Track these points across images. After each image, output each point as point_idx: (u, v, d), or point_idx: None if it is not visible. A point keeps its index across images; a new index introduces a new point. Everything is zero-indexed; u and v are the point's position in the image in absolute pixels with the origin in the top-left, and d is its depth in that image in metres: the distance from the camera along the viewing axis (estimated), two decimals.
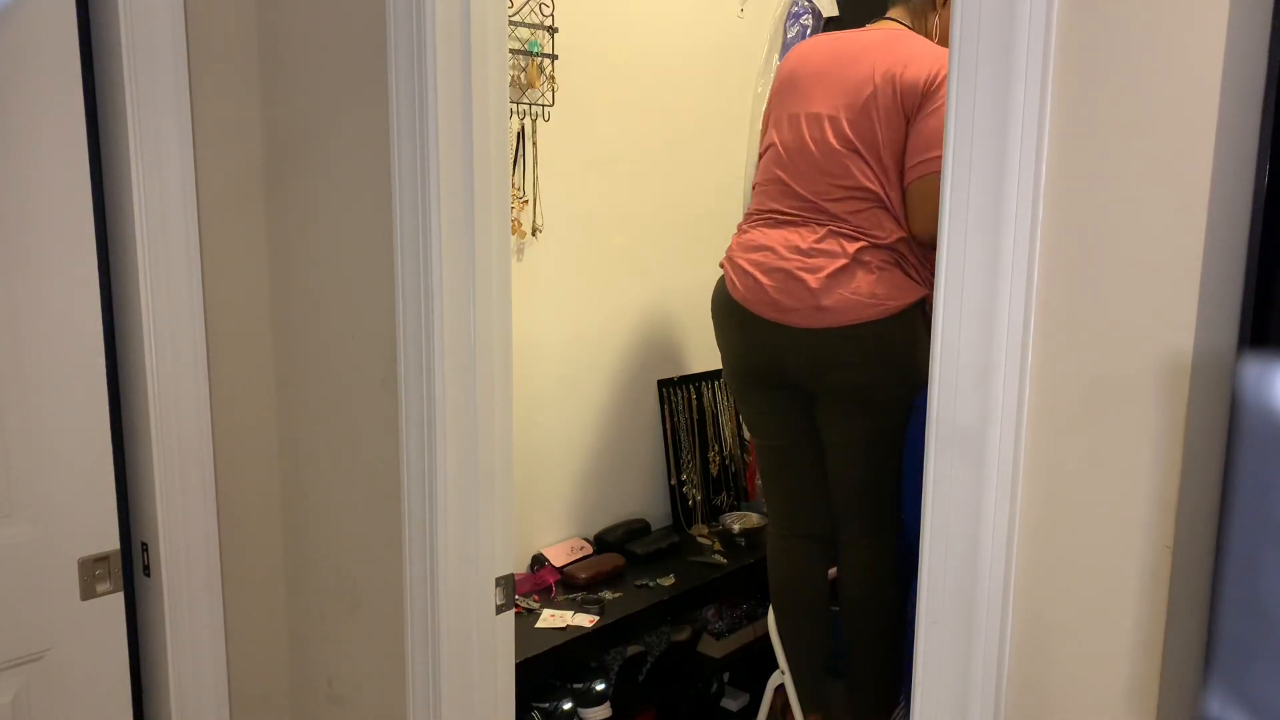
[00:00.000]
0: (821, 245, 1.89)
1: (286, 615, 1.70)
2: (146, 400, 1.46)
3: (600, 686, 2.18)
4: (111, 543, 1.48)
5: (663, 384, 2.69)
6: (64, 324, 1.40)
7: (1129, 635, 0.81)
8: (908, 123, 1.86)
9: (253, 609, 1.65)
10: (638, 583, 2.34)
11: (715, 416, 2.84)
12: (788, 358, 1.97)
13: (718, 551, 2.57)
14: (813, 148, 1.93)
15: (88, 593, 1.46)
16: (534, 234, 2.28)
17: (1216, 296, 0.75)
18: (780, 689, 2.27)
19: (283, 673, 1.71)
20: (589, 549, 2.47)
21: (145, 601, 1.55)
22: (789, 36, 2.80)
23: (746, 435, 2.96)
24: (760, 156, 2.08)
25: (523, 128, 2.21)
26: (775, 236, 1.96)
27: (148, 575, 1.53)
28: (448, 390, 1.35)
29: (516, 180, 2.21)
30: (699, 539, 2.66)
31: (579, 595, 2.26)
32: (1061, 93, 0.81)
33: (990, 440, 0.87)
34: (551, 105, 2.26)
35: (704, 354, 2.82)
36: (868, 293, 1.84)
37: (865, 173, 1.88)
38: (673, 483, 2.70)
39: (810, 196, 1.92)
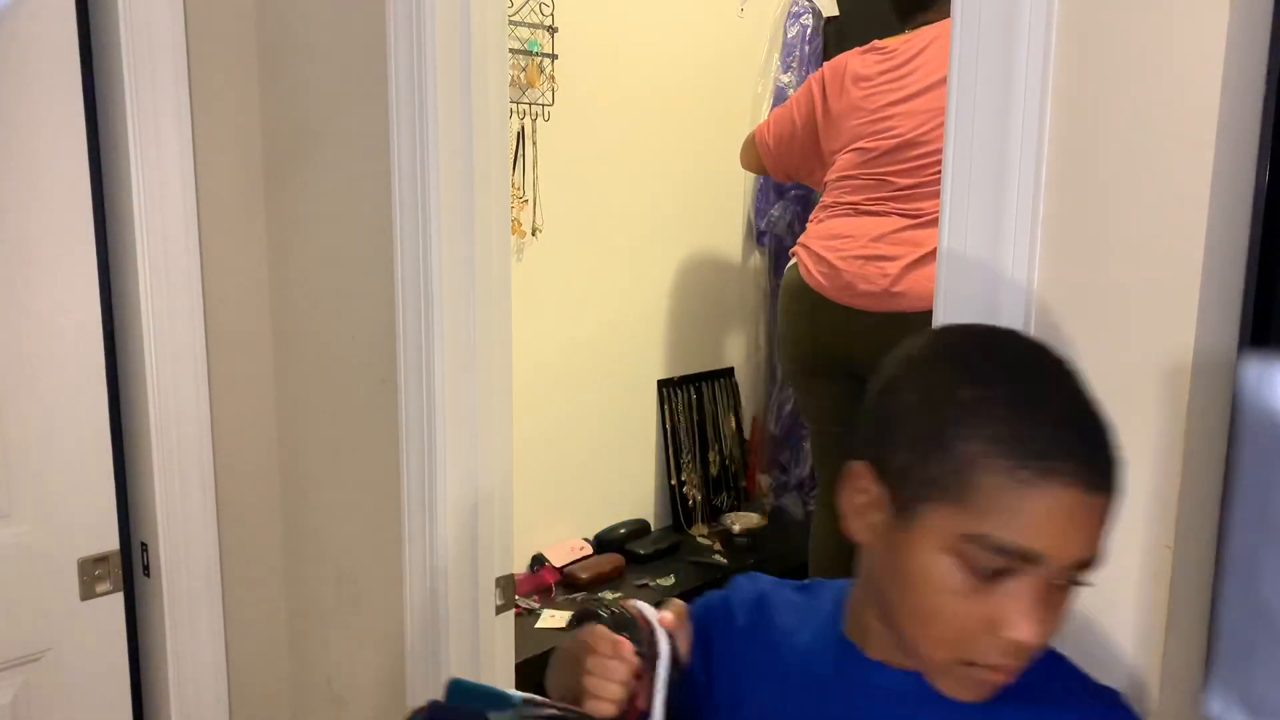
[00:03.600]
0: (902, 234, 1.93)
1: (286, 615, 1.70)
2: (146, 400, 1.46)
3: None
4: (111, 543, 1.48)
5: (663, 384, 2.69)
6: (64, 324, 1.40)
7: (1129, 635, 0.81)
8: None
9: (253, 609, 1.64)
10: (638, 583, 2.34)
11: (715, 416, 2.83)
12: (854, 344, 2.02)
13: (718, 551, 2.57)
14: (914, 148, 1.95)
15: (88, 593, 1.46)
16: (534, 234, 2.28)
17: (1216, 296, 0.75)
18: None
19: (283, 673, 1.71)
20: (589, 549, 2.46)
21: (145, 601, 1.55)
22: (789, 36, 2.80)
23: (747, 435, 2.96)
24: (837, 154, 2.13)
25: (523, 128, 2.21)
26: (854, 225, 2.01)
27: (147, 575, 1.53)
28: (448, 390, 1.35)
29: (516, 180, 2.21)
30: (699, 539, 2.66)
31: (579, 595, 2.26)
32: (1061, 92, 0.81)
33: None
34: (551, 105, 2.26)
35: (704, 354, 2.82)
36: None
37: None
38: (673, 483, 2.70)
39: (898, 192, 1.96)
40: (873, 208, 1.99)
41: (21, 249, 1.35)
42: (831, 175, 2.12)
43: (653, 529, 2.66)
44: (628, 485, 2.64)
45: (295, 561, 1.67)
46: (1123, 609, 0.82)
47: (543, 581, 2.29)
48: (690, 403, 2.76)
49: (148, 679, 1.58)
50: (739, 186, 2.85)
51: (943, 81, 2.06)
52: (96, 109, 1.44)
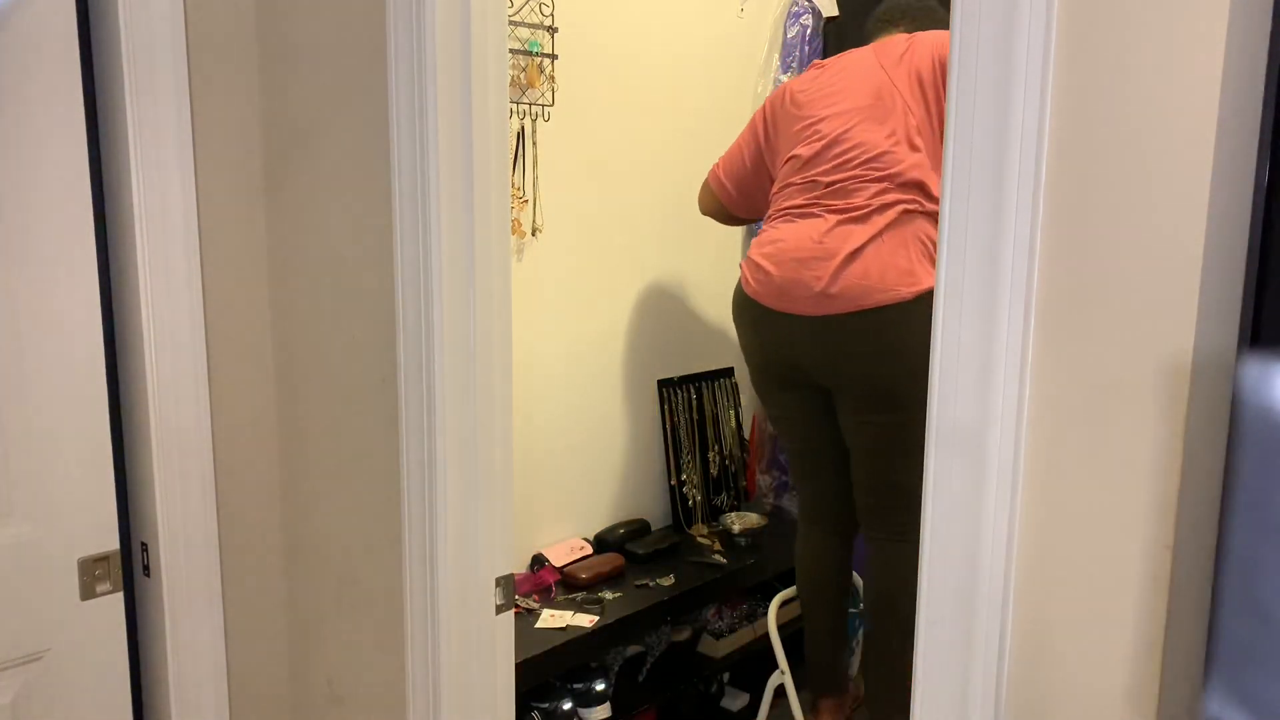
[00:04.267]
0: (833, 232, 1.91)
1: (286, 615, 1.70)
2: (146, 400, 1.46)
3: (600, 686, 2.18)
4: (111, 543, 1.48)
5: (663, 384, 2.69)
6: (64, 324, 1.40)
7: (1129, 635, 0.81)
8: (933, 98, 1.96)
9: (253, 609, 1.65)
10: (638, 583, 2.34)
11: (715, 416, 2.83)
12: (799, 351, 1.99)
13: (718, 551, 2.57)
14: (839, 144, 1.96)
15: (88, 593, 1.46)
16: (534, 234, 2.28)
17: (1216, 296, 0.75)
18: (780, 689, 2.27)
19: (283, 673, 1.71)
20: (589, 549, 2.47)
21: (145, 601, 1.55)
22: (789, 36, 2.80)
23: (746, 435, 2.96)
24: (778, 167, 2.13)
25: (523, 128, 2.21)
26: (788, 230, 2.00)
27: (148, 575, 1.53)
28: (448, 390, 1.35)
29: (516, 180, 2.21)
30: (699, 539, 2.66)
31: (579, 595, 2.26)
32: (1061, 91, 0.81)
33: (990, 440, 0.87)
34: (551, 105, 2.26)
35: (704, 354, 2.82)
36: (878, 276, 1.85)
37: (900, 153, 1.91)
38: (673, 483, 2.70)
39: (827, 189, 1.96)
40: (806, 210, 1.99)
41: (21, 249, 1.35)
42: (774, 189, 2.13)
43: (653, 529, 2.66)
44: (628, 485, 2.65)
45: (295, 561, 1.67)
46: (1123, 609, 0.82)
47: (543, 581, 2.29)
48: (690, 403, 2.76)
49: (148, 679, 1.58)
50: None
51: (863, 80, 1.98)
52: (96, 109, 1.44)
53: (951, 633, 0.92)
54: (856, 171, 1.93)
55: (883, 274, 1.85)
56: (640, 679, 2.41)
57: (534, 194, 2.26)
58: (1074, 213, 0.82)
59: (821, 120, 2.01)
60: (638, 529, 2.59)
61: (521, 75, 2.18)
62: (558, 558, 2.38)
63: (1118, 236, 0.79)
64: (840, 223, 1.91)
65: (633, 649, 2.41)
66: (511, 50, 2.11)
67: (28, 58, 1.33)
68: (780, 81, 2.79)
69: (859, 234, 1.88)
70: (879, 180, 1.90)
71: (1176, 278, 0.76)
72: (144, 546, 1.52)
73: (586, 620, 2.13)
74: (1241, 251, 0.73)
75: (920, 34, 2.02)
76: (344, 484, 1.56)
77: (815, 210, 1.96)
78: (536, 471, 2.36)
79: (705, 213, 2.41)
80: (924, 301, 1.84)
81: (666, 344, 2.69)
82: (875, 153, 1.92)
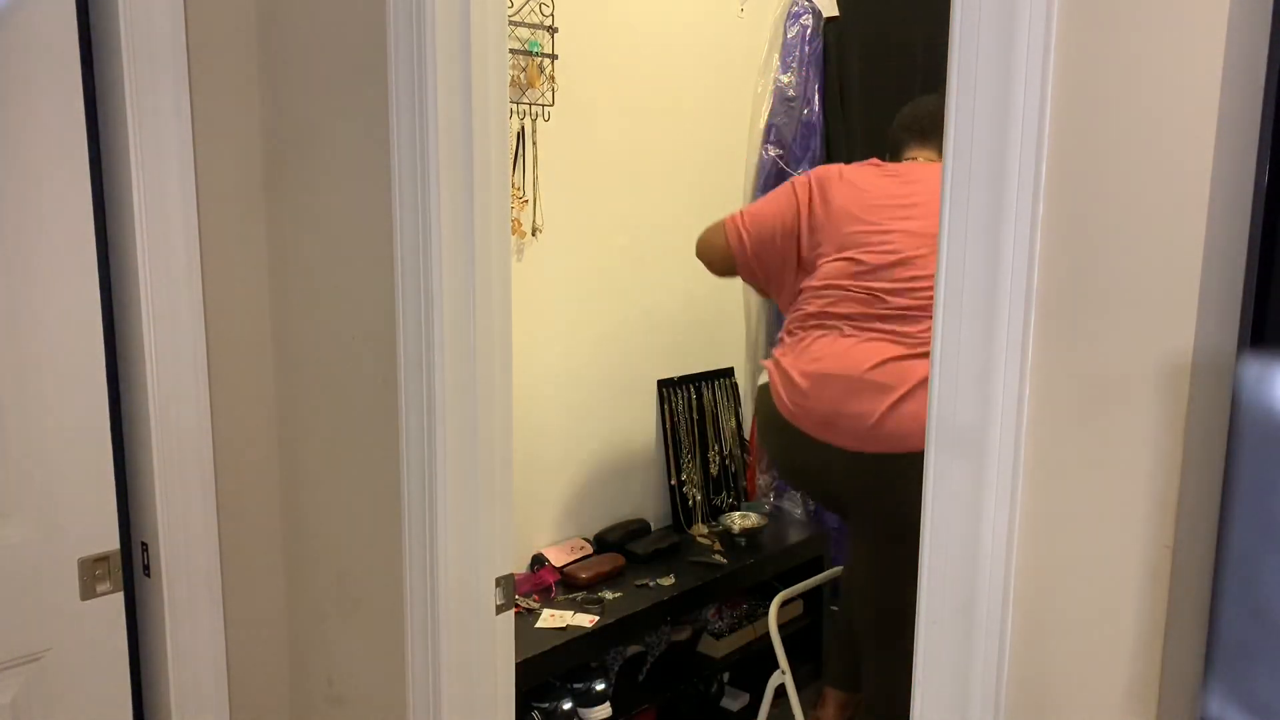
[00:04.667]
0: (889, 367, 1.77)
1: (286, 615, 1.70)
2: (146, 400, 1.46)
3: (600, 686, 2.18)
4: (111, 543, 1.48)
5: (663, 384, 2.69)
6: (64, 324, 1.40)
7: (1129, 635, 0.81)
8: None
9: (253, 609, 1.65)
10: (638, 583, 2.34)
11: (715, 416, 2.83)
12: (831, 478, 1.91)
13: (718, 551, 2.57)
14: (909, 267, 1.83)
15: (88, 593, 1.46)
16: (534, 234, 2.28)
17: (1216, 296, 0.75)
18: (780, 688, 2.27)
19: (283, 672, 1.71)
20: (589, 549, 2.47)
21: (145, 601, 1.55)
22: (789, 36, 2.80)
23: (746, 435, 2.96)
24: (820, 260, 1.96)
25: (523, 128, 2.21)
26: (840, 350, 1.83)
27: (148, 575, 1.53)
28: (448, 390, 1.35)
29: (516, 180, 2.21)
30: (699, 539, 2.66)
31: (579, 595, 2.26)
32: (1061, 92, 0.81)
33: (990, 440, 0.87)
34: (551, 105, 2.26)
35: (704, 354, 2.82)
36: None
37: None
38: (673, 483, 2.70)
39: (890, 311, 1.81)
40: (863, 327, 1.84)
41: (22, 249, 1.35)
42: (813, 282, 1.96)
43: (653, 529, 2.66)
44: (628, 485, 2.65)
45: (295, 561, 1.67)
46: (1123, 609, 0.82)
47: (543, 581, 2.29)
48: (690, 403, 2.76)
49: (148, 679, 1.58)
50: (739, 186, 2.85)
51: (936, 203, 1.96)
52: (96, 109, 1.44)
53: (951, 633, 0.92)
54: (924, 301, 1.80)
55: None
56: (640, 679, 2.41)
57: (534, 194, 2.26)
58: (1074, 212, 0.82)
59: (892, 233, 1.87)
60: (638, 529, 2.59)
61: (521, 75, 2.18)
62: (558, 558, 2.38)
63: (1118, 236, 0.79)
64: (901, 357, 1.78)
65: (633, 649, 2.41)
66: (511, 50, 2.11)
67: (28, 57, 1.33)
68: (780, 82, 2.79)
69: (918, 371, 1.75)
70: None
71: (1176, 278, 0.76)
72: (144, 546, 1.52)
73: (586, 620, 2.13)
74: (1241, 251, 0.73)
75: None
76: (344, 483, 1.56)
77: (874, 332, 1.82)
78: (536, 471, 2.36)
79: (705, 256, 2.19)
80: None
81: (666, 344, 2.69)
82: None
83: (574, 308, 2.42)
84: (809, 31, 2.79)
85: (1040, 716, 0.89)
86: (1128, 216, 0.79)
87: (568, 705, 2.14)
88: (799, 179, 2.06)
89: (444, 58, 1.28)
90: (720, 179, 2.78)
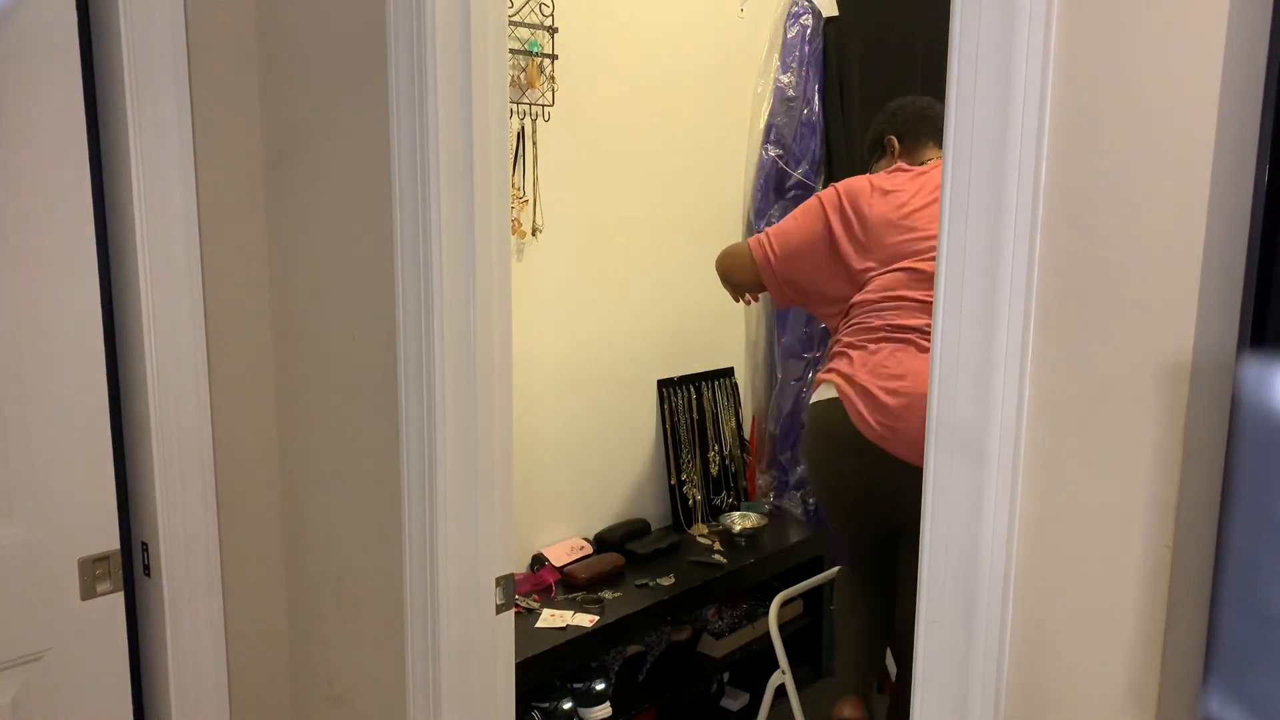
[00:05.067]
0: None
1: (286, 615, 1.70)
2: (146, 400, 1.46)
3: (600, 686, 2.18)
4: (111, 543, 1.48)
5: (663, 384, 2.69)
6: (64, 324, 1.40)
7: (1129, 635, 0.81)
8: None
9: (253, 609, 1.65)
10: (638, 583, 2.34)
11: (715, 416, 2.83)
12: (912, 501, 1.84)
13: (718, 551, 2.57)
14: None
15: (88, 593, 1.46)
16: (534, 234, 2.28)
17: (1216, 296, 0.75)
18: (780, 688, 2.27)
19: (283, 673, 1.71)
20: (589, 549, 2.47)
21: (145, 601, 1.55)
22: (789, 36, 2.80)
23: (746, 435, 2.96)
24: (872, 274, 1.89)
25: (523, 128, 2.21)
26: (920, 363, 1.75)
27: (148, 575, 1.53)
28: (448, 390, 1.35)
29: (516, 180, 2.21)
30: (699, 539, 2.66)
31: (579, 595, 2.26)
32: (1061, 92, 0.81)
33: (990, 440, 0.87)
34: (551, 105, 2.26)
35: (704, 354, 2.82)
36: None
37: None
38: (673, 483, 2.70)
39: None
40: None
41: (22, 249, 1.35)
42: (870, 296, 1.89)
43: (653, 529, 2.66)
44: (628, 485, 2.64)
45: (296, 561, 1.67)
46: (1123, 609, 0.82)
47: (543, 581, 2.30)
48: (690, 403, 2.76)
49: (148, 679, 1.58)
50: (739, 186, 2.85)
51: None
52: (97, 109, 1.44)
53: (951, 633, 0.92)
54: None
55: None
56: (640, 679, 2.41)
57: (534, 194, 2.26)
58: (1074, 212, 0.82)
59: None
60: (638, 529, 2.59)
61: (521, 75, 2.18)
62: (558, 558, 2.38)
63: (1118, 236, 0.79)
64: None
65: (633, 649, 2.41)
66: (511, 50, 2.11)
67: (28, 57, 1.33)
68: (780, 82, 2.79)
69: None
70: None
71: (1176, 277, 0.76)
72: (144, 546, 1.52)
73: (586, 620, 2.13)
74: (1241, 251, 0.73)
75: None
76: (344, 483, 1.56)
77: None
78: (536, 471, 2.36)
79: (729, 274, 2.14)
80: None
81: (666, 344, 2.69)
82: None
83: (574, 308, 2.42)
84: (809, 31, 2.79)
85: (1040, 717, 0.89)
86: (1128, 216, 0.79)
87: (568, 705, 2.14)
88: (826, 193, 2.00)
89: (444, 58, 1.28)
90: (720, 179, 2.78)
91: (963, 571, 0.90)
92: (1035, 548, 0.87)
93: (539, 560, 2.36)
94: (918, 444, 1.72)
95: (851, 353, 1.87)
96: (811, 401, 1.97)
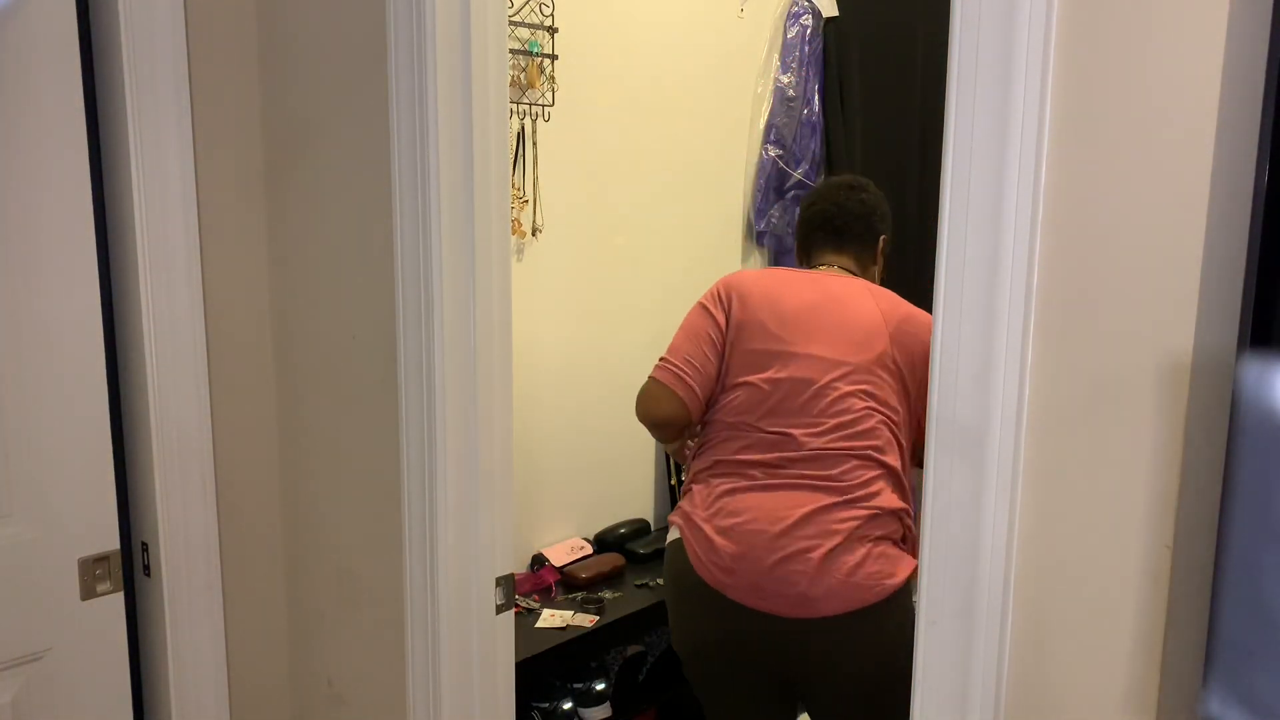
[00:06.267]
0: (815, 518, 1.59)
1: (286, 615, 1.70)
2: (146, 400, 1.46)
3: (600, 686, 2.18)
4: (111, 543, 1.48)
5: None
6: (64, 324, 1.40)
7: (1129, 635, 0.81)
8: (917, 386, 1.66)
9: (253, 609, 1.65)
10: (638, 583, 2.34)
11: None
12: (774, 651, 1.65)
13: None
14: (821, 399, 1.63)
15: (88, 593, 1.46)
16: (534, 234, 2.28)
17: (1216, 296, 0.75)
18: None
19: (283, 673, 1.71)
20: (589, 549, 2.47)
21: (145, 601, 1.55)
22: (789, 36, 2.80)
23: None
24: (724, 389, 1.73)
25: (523, 128, 2.21)
26: (754, 501, 1.63)
27: (148, 575, 1.53)
28: (448, 390, 1.35)
29: (516, 180, 2.21)
30: None
31: (579, 595, 2.26)
32: (1061, 92, 0.81)
33: (990, 440, 0.87)
34: (551, 105, 2.26)
35: None
36: (865, 573, 1.57)
37: (881, 434, 1.63)
38: (673, 483, 2.70)
39: (807, 453, 1.62)
40: (780, 474, 1.62)
41: (22, 249, 1.35)
42: (721, 416, 1.72)
43: (653, 528, 2.66)
44: (628, 485, 2.65)
45: (296, 561, 1.67)
46: (1123, 609, 0.82)
47: (543, 581, 2.29)
48: None
49: (148, 679, 1.58)
50: (739, 186, 2.85)
51: (857, 318, 1.65)
52: (97, 109, 1.44)
53: (951, 633, 0.92)
54: (843, 438, 1.61)
55: (869, 568, 1.57)
56: (640, 679, 2.41)
57: (534, 194, 2.26)
58: (1074, 211, 0.82)
59: (800, 358, 1.65)
60: (638, 529, 2.59)
61: (521, 75, 2.18)
62: (558, 558, 2.37)
63: (1118, 235, 0.79)
64: (831, 505, 1.59)
65: (633, 649, 2.41)
66: (511, 50, 2.11)
67: (28, 57, 1.33)
68: (780, 82, 2.79)
69: (848, 519, 1.58)
70: (862, 458, 1.61)
71: (1176, 277, 0.76)
72: (144, 546, 1.52)
73: (586, 620, 2.13)
74: (1241, 251, 0.73)
75: (918, 312, 1.69)
76: (344, 483, 1.56)
77: (793, 478, 1.62)
78: (536, 471, 2.36)
79: (654, 425, 1.81)
80: (905, 588, 1.59)
81: (667, 343, 2.69)
82: (864, 426, 1.61)
83: (574, 307, 2.42)
84: (809, 31, 2.79)
85: (1040, 716, 0.89)
86: (1128, 215, 0.79)
87: (568, 705, 2.14)
88: (707, 292, 1.81)
89: (444, 58, 1.28)
90: (720, 179, 2.78)
91: (963, 571, 0.90)
92: (1035, 548, 0.87)
93: (539, 560, 2.36)
94: (754, 587, 1.58)
95: (695, 488, 1.73)
96: (666, 543, 1.82)
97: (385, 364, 1.42)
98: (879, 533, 1.60)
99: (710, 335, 1.75)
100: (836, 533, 1.58)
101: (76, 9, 1.38)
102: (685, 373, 1.74)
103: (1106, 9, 0.79)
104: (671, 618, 1.80)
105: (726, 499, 1.66)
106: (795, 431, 1.63)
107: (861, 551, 1.58)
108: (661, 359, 1.79)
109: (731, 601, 1.64)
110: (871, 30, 2.81)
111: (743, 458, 1.67)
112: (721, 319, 1.76)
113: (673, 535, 1.77)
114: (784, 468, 1.63)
